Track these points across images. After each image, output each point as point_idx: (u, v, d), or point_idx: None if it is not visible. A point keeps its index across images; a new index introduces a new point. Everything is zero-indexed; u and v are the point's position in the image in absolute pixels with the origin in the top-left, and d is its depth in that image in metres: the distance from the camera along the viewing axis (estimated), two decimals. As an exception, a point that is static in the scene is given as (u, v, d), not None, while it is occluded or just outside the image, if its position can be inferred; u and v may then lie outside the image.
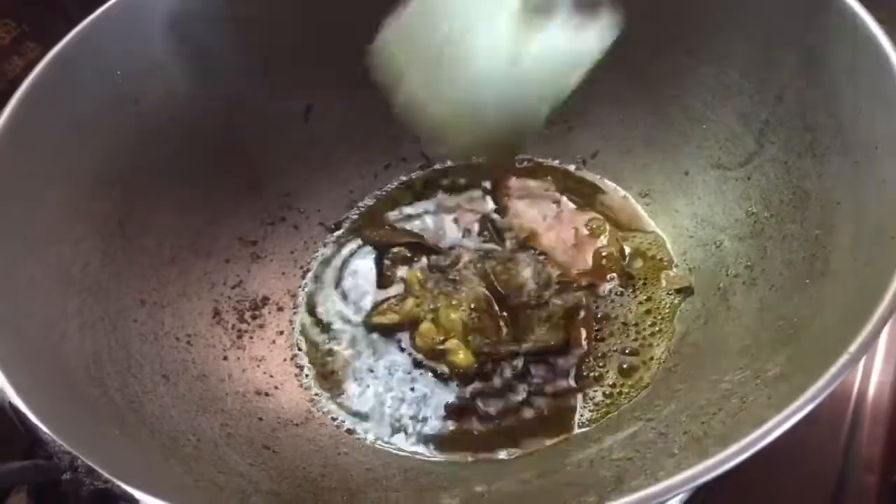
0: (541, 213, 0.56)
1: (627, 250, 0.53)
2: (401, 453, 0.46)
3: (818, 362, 0.34)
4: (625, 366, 0.48)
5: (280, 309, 0.53)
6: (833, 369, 0.31)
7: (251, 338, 0.51)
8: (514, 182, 0.58)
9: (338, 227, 0.58)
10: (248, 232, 0.55)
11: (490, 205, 0.57)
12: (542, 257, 0.54)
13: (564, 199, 0.57)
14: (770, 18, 0.46)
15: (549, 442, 0.45)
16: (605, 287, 0.52)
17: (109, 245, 0.47)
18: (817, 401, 0.31)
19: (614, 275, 0.52)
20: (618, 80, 0.54)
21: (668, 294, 0.51)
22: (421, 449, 0.47)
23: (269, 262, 0.55)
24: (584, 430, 0.46)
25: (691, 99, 0.52)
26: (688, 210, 0.52)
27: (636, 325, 0.50)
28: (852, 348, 0.32)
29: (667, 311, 0.50)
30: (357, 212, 0.58)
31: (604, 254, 0.53)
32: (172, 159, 0.51)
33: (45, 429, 0.34)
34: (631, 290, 0.51)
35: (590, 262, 0.53)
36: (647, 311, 0.50)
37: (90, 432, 0.37)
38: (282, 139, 0.56)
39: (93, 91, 0.48)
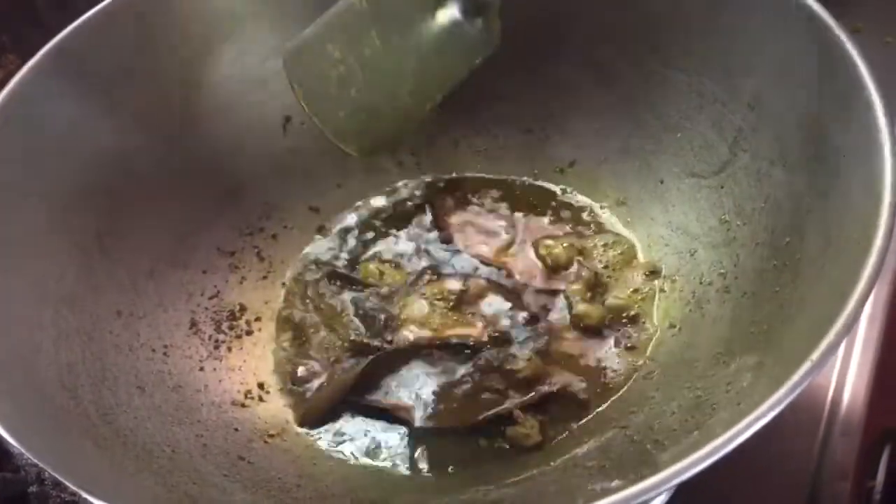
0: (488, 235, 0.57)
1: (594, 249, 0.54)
2: (377, 465, 0.46)
3: (785, 370, 0.34)
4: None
5: (258, 318, 0.53)
6: (795, 377, 0.31)
7: (228, 348, 0.51)
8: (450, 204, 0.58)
9: (319, 233, 0.57)
10: (227, 242, 0.55)
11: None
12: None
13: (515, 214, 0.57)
14: (743, 27, 0.46)
15: (521, 456, 0.45)
16: (571, 288, 0.52)
17: (87, 257, 0.47)
18: (780, 407, 0.31)
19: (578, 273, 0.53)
20: (594, 89, 0.55)
21: (637, 291, 0.51)
22: (397, 462, 0.46)
23: (247, 272, 0.55)
24: (557, 438, 0.46)
25: (666, 107, 0.52)
26: (663, 218, 0.52)
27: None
28: (815, 356, 0.32)
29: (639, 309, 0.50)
30: (334, 222, 0.58)
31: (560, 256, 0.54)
32: (151, 171, 0.52)
33: (12, 440, 0.34)
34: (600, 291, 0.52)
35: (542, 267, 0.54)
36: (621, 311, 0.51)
37: (60, 445, 0.38)
38: (261, 150, 0.57)
39: (70, 103, 0.48)
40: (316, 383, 0.50)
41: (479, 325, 0.50)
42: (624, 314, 0.50)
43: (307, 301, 0.54)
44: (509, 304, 0.51)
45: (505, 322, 0.50)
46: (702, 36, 0.49)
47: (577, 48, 0.54)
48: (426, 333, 0.50)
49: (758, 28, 0.46)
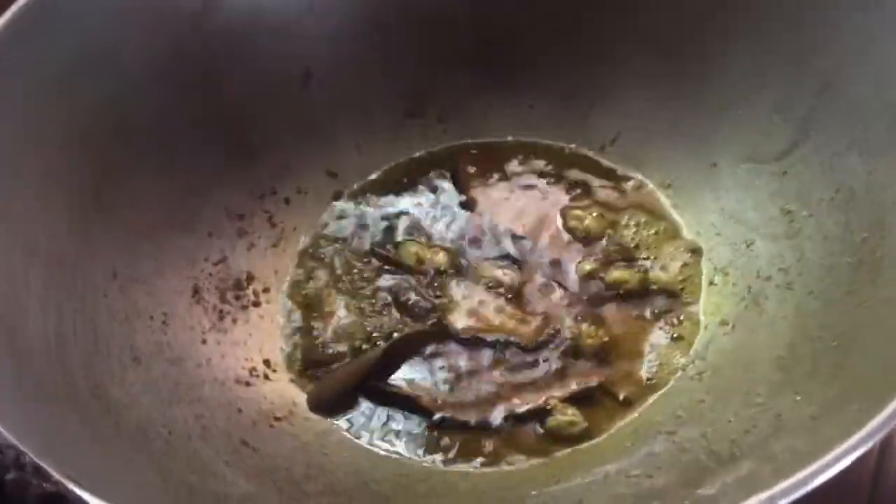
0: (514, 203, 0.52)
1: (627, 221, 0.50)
2: (393, 455, 0.42)
3: (871, 388, 0.30)
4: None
5: (266, 289, 0.49)
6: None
7: (233, 320, 0.47)
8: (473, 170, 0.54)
9: (336, 199, 0.53)
10: (236, 204, 0.50)
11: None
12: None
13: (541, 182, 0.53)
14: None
15: (558, 453, 0.41)
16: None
17: (82, 212, 0.43)
18: (884, 431, 0.27)
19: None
20: (644, 58, 0.50)
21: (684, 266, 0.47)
22: (418, 453, 0.42)
23: (256, 238, 0.50)
24: (596, 440, 0.42)
25: (724, 84, 0.48)
26: (714, 205, 0.48)
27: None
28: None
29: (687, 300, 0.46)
30: (352, 186, 0.54)
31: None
32: (155, 121, 0.47)
33: (-11, 418, 0.30)
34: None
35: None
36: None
37: (44, 422, 0.33)
38: (277, 105, 0.52)
39: (66, 45, 0.43)
40: (331, 365, 0.45)
41: (534, 323, 0.46)
42: (667, 294, 0.46)
43: (333, 276, 0.49)
44: (566, 301, 0.47)
45: (561, 320, 0.46)
46: (768, 6, 0.44)
47: (628, 12, 0.50)
48: (475, 324, 0.46)
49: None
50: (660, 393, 0.43)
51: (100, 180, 0.44)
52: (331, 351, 0.46)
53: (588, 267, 0.48)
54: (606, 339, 0.45)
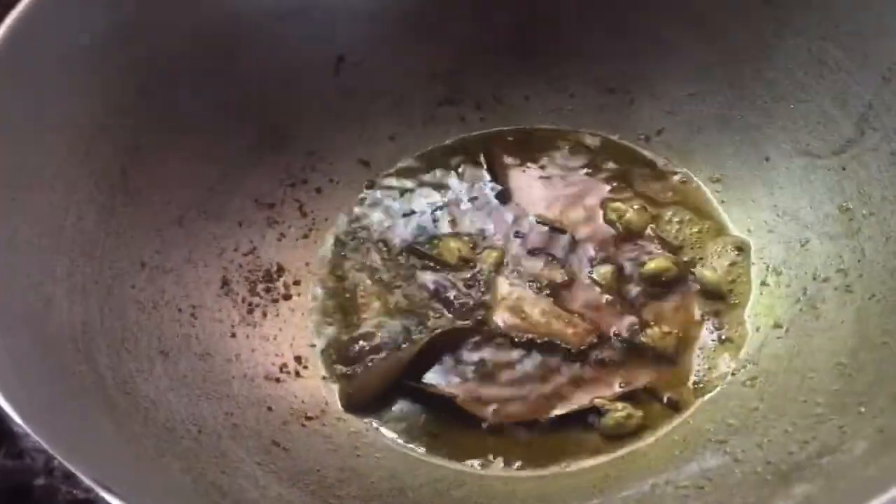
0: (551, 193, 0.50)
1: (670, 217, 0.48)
2: (431, 459, 0.41)
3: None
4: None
5: (297, 282, 0.47)
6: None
7: (263, 313, 0.45)
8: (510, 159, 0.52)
9: (369, 189, 0.51)
10: (265, 193, 0.49)
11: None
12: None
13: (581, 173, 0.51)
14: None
15: (603, 459, 0.39)
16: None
17: (109, 198, 0.41)
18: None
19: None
20: (691, 46, 0.48)
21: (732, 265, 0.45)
22: (456, 455, 0.41)
23: (287, 228, 0.49)
24: (641, 444, 0.40)
25: (778, 74, 0.46)
26: (767, 201, 0.46)
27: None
28: None
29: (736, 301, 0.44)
30: (385, 176, 0.52)
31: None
32: (185, 102, 0.45)
33: (16, 417, 0.28)
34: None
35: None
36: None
37: (73, 422, 0.32)
38: (309, 91, 0.50)
39: (96, 17, 0.41)
40: (366, 361, 0.44)
41: (581, 327, 0.44)
42: (715, 294, 0.44)
43: (368, 270, 0.48)
44: (610, 300, 0.45)
45: (606, 324, 0.44)
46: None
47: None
48: (519, 323, 0.44)
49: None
50: (708, 397, 0.41)
51: (127, 165, 0.42)
52: (366, 347, 0.44)
53: (628, 264, 0.46)
54: (652, 340, 0.43)
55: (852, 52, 0.42)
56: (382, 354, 0.44)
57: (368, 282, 0.47)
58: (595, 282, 0.46)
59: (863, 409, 0.33)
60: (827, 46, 0.43)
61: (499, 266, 0.47)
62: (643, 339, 0.43)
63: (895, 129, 0.40)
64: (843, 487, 0.30)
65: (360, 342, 0.44)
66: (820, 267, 0.42)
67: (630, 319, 0.44)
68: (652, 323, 0.44)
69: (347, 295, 0.47)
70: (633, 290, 0.45)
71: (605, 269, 0.46)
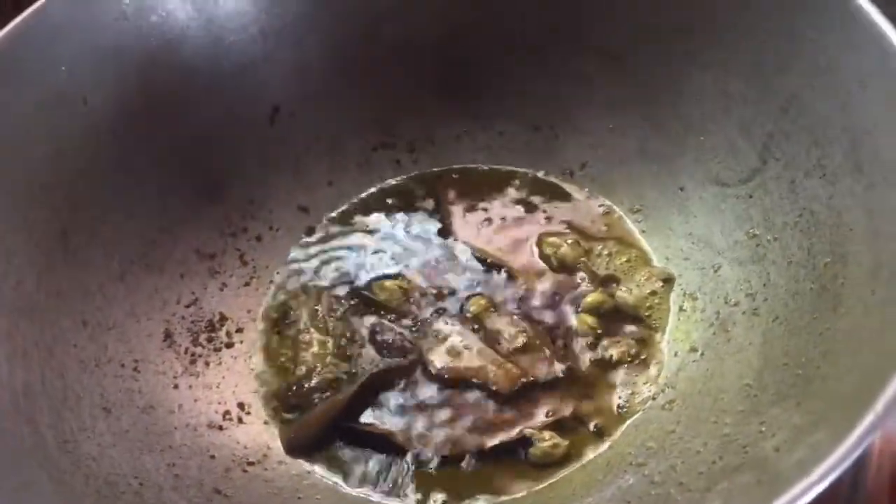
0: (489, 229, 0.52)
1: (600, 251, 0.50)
2: (373, 499, 0.42)
3: (834, 416, 0.31)
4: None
5: (239, 329, 0.49)
6: (857, 431, 0.27)
7: (206, 363, 0.47)
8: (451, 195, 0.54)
9: (309, 235, 0.53)
10: (206, 244, 0.50)
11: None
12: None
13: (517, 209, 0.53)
14: (777, 21, 0.42)
15: (534, 487, 0.41)
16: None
17: (49, 259, 0.43)
18: (840, 469, 0.27)
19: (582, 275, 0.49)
20: (609, 84, 0.51)
21: (652, 294, 0.47)
22: (396, 493, 0.42)
23: (228, 278, 0.50)
24: (568, 471, 0.42)
25: (689, 107, 0.48)
26: (683, 229, 0.48)
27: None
28: (879, 406, 0.28)
29: (655, 325, 0.46)
30: (324, 221, 0.54)
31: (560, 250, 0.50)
32: (123, 162, 0.47)
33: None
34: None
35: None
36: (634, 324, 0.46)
37: (13, 483, 0.33)
38: (245, 142, 0.52)
39: (34, 89, 0.43)
40: (307, 404, 0.45)
41: (511, 372, 0.45)
42: (635, 319, 0.46)
43: (308, 314, 0.49)
44: (548, 352, 0.46)
45: (540, 371, 0.46)
46: (731, 29, 0.45)
47: (592, 38, 0.50)
48: (454, 364, 0.46)
49: (794, 20, 0.41)
50: (630, 422, 0.43)
51: (67, 226, 0.44)
52: (305, 390, 0.46)
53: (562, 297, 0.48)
54: (578, 368, 0.45)
55: (754, 85, 0.44)
56: (322, 396, 0.45)
57: (308, 327, 0.48)
58: (527, 318, 0.47)
59: (763, 430, 0.35)
60: (732, 80, 0.46)
61: (438, 307, 0.49)
62: (568, 369, 0.45)
63: (793, 158, 0.42)
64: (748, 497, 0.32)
65: (301, 386, 0.46)
66: (731, 292, 0.44)
67: (556, 351, 0.46)
68: (577, 352, 0.46)
69: (288, 340, 0.48)
70: (563, 321, 0.47)
71: (538, 306, 0.48)
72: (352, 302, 0.49)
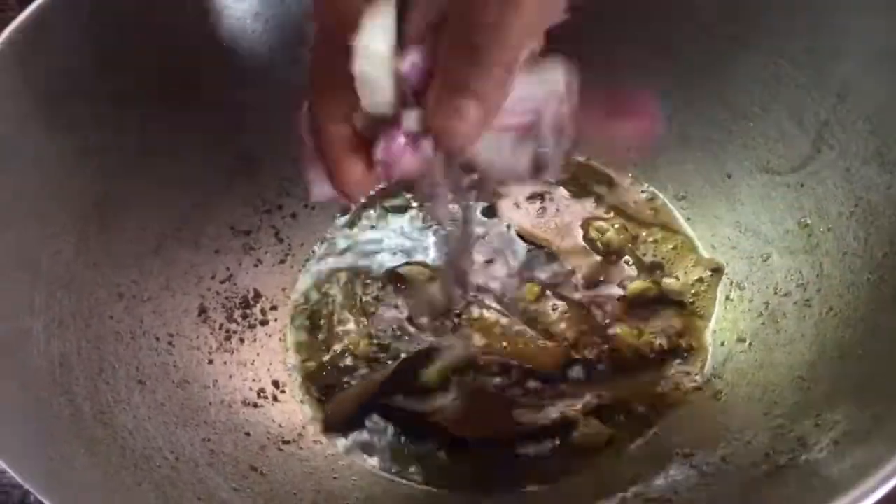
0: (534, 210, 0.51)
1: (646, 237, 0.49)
2: (405, 482, 0.41)
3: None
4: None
5: (274, 307, 0.48)
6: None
7: (241, 339, 0.46)
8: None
9: (344, 214, 0.52)
10: (241, 220, 0.50)
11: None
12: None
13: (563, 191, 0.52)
14: (835, 5, 0.41)
15: (575, 478, 0.40)
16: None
17: (85, 231, 0.42)
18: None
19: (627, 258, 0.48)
20: (652, 66, 0.49)
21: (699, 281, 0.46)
22: (431, 477, 0.41)
23: (263, 255, 0.50)
24: (611, 458, 0.41)
25: (736, 92, 0.46)
26: (730, 217, 0.47)
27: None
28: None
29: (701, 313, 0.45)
30: (362, 203, 0.53)
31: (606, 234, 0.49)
32: (159, 132, 0.46)
33: (-7, 454, 0.29)
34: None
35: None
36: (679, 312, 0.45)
37: (49, 456, 0.32)
38: (282, 118, 0.51)
39: (69, 52, 0.42)
40: (343, 384, 0.44)
41: (555, 351, 0.44)
42: (680, 307, 0.46)
43: (345, 294, 0.49)
44: (584, 317, 0.45)
45: (579, 345, 0.45)
46: (782, 8, 0.43)
47: (638, 20, 0.48)
48: (494, 346, 0.45)
49: (850, 5, 0.40)
50: (675, 411, 0.42)
51: (102, 196, 0.43)
52: (341, 370, 0.45)
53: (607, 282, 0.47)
54: (623, 356, 0.44)
55: (807, 71, 0.43)
56: (358, 376, 0.45)
57: (344, 306, 0.48)
58: (570, 301, 0.47)
59: (819, 424, 0.34)
60: (783, 65, 0.44)
61: (481, 287, 0.48)
62: (614, 356, 0.44)
63: (849, 145, 0.41)
64: (802, 497, 0.31)
65: (336, 365, 0.45)
66: (781, 282, 0.43)
67: (601, 337, 0.45)
68: (623, 340, 0.45)
69: (323, 320, 0.48)
70: (608, 307, 0.46)
71: (581, 290, 0.47)
72: (387, 282, 0.49)
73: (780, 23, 0.43)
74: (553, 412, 0.42)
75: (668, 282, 0.46)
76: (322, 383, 0.45)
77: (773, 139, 0.45)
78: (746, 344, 0.42)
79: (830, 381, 0.36)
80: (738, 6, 0.45)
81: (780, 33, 0.44)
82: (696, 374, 0.43)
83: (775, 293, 0.43)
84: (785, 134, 0.45)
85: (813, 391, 0.36)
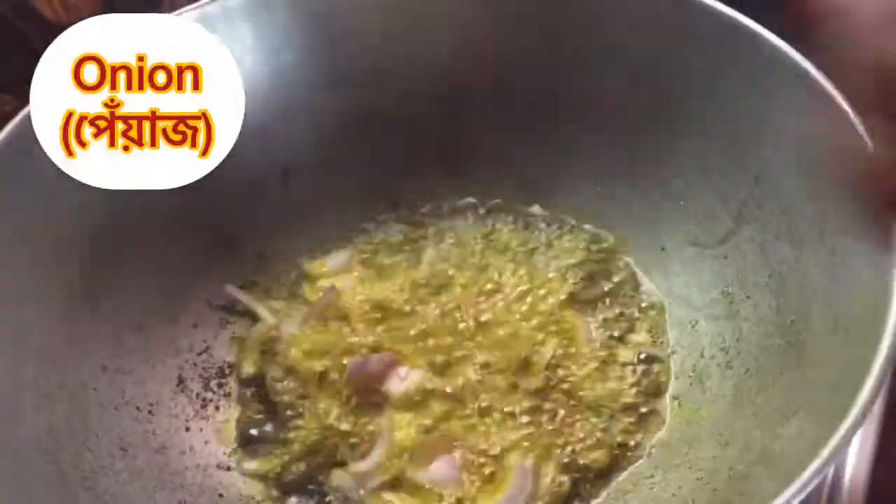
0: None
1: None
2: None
3: (789, 462, 0.33)
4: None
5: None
6: (805, 474, 0.30)
7: (216, 407, 0.50)
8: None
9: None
10: (218, 296, 0.54)
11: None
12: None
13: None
14: (754, 99, 0.45)
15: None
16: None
17: (72, 309, 0.46)
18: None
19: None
20: (596, 151, 0.53)
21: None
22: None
23: (237, 328, 0.53)
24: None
25: (670, 175, 0.51)
26: (663, 286, 0.51)
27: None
28: (825, 452, 0.31)
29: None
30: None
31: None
32: (143, 218, 0.50)
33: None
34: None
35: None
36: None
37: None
38: (258, 201, 0.55)
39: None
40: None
41: None
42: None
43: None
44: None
45: None
46: (709, 104, 0.48)
47: (584, 111, 0.53)
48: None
49: (768, 99, 0.44)
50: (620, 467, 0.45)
51: (89, 275, 0.47)
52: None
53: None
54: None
55: (730, 157, 0.47)
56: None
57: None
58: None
59: (731, 475, 0.37)
60: (709, 151, 0.49)
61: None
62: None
63: (764, 223, 0.45)
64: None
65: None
66: (706, 346, 0.47)
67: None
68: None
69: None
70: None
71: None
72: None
73: (708, 116, 0.48)
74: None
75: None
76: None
77: (701, 216, 0.50)
78: (677, 402, 0.46)
79: (743, 437, 0.39)
80: (672, 103, 0.49)
81: (708, 125, 0.48)
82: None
83: (701, 356, 0.47)
84: (711, 211, 0.49)
85: (729, 447, 0.40)
